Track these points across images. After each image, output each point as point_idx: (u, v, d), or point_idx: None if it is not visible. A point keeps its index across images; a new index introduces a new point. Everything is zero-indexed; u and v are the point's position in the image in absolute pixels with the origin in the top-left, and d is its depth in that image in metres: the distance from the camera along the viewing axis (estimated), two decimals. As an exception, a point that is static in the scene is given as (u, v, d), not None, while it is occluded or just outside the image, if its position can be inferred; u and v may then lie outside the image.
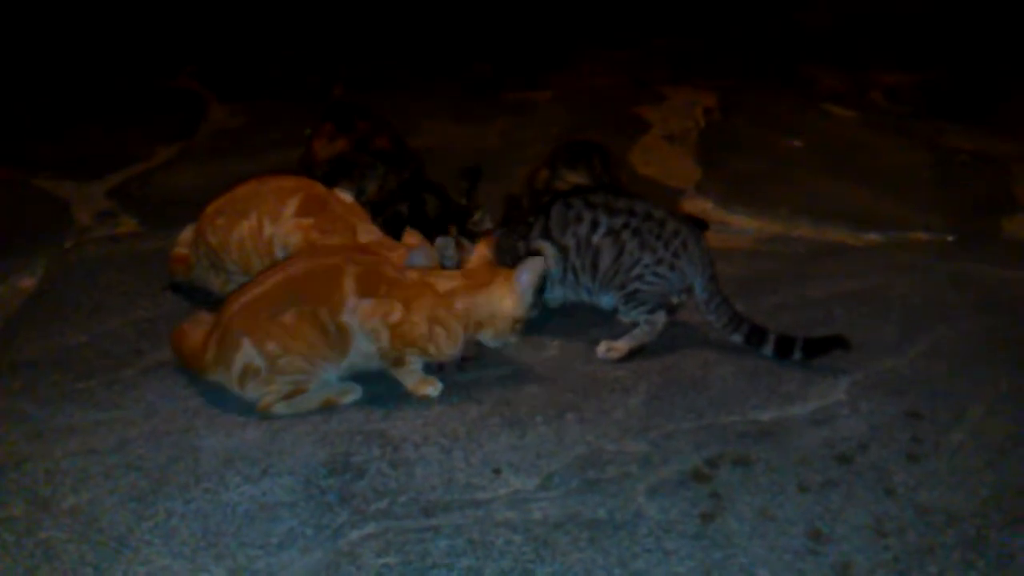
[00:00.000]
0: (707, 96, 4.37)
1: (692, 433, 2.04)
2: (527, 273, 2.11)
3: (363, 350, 2.06)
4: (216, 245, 2.39)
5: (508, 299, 2.11)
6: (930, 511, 1.83)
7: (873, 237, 3.08)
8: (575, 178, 2.75)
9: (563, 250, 2.33)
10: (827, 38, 5.47)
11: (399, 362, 2.09)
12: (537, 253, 2.30)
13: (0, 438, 1.99)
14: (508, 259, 2.30)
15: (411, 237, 2.24)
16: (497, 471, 1.92)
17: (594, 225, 2.30)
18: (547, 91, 4.50)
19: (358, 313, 2.02)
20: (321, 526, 1.77)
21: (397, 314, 2.02)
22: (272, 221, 2.35)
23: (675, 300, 2.35)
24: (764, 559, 1.72)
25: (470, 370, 2.25)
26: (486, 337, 2.15)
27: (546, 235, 2.35)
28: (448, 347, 2.08)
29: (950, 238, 3.06)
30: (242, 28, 5.56)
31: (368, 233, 2.33)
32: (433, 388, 2.14)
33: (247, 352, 2.00)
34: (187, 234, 2.58)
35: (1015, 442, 2.03)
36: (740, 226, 3.14)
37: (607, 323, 2.41)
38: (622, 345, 2.31)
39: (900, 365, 2.30)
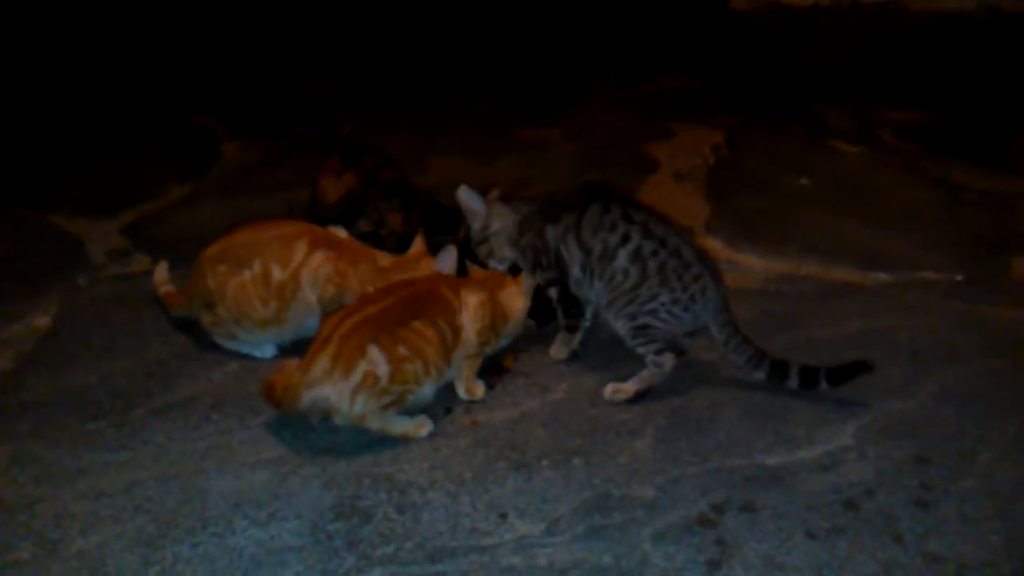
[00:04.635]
0: (715, 133, 4.38)
1: (698, 478, 2.04)
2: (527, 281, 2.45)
3: (470, 340, 2.29)
4: (214, 289, 2.41)
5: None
6: (939, 560, 1.82)
7: (881, 276, 3.07)
8: None
9: (587, 252, 2.35)
10: (835, 74, 5.50)
11: (486, 344, 2.35)
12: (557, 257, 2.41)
13: (9, 480, 2.01)
14: (530, 235, 2.43)
15: (418, 246, 2.54)
16: (503, 516, 1.92)
17: (625, 239, 2.30)
18: (556, 128, 4.51)
19: (470, 304, 2.31)
20: (328, 571, 1.77)
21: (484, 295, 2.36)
22: (282, 267, 2.39)
23: (686, 345, 2.35)
24: (771, 608, 1.71)
25: (481, 415, 2.26)
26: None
27: (576, 232, 2.36)
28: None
29: (959, 278, 3.05)
30: (252, 65, 5.64)
31: (385, 257, 2.50)
32: (482, 390, 2.33)
33: (372, 358, 2.06)
34: (162, 274, 2.67)
35: (1025, 488, 2.02)
36: (748, 265, 3.14)
37: (614, 365, 2.42)
38: (629, 387, 2.31)
39: (908, 408, 2.29)
